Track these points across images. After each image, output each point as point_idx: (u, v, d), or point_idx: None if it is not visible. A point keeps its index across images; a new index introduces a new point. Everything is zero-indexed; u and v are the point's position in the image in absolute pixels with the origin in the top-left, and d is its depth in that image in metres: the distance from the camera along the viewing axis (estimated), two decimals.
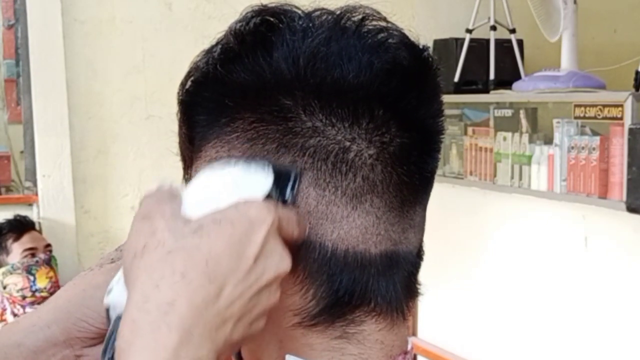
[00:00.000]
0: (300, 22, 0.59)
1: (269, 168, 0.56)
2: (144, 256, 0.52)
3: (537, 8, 2.84)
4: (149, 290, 0.50)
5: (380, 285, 0.59)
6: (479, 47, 3.22)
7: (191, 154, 0.63)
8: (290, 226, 0.55)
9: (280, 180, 0.56)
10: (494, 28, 3.14)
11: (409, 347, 0.64)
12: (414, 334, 3.31)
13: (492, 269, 2.97)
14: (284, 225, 0.55)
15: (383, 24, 0.60)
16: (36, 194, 3.19)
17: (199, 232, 0.52)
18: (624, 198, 2.30)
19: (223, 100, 0.59)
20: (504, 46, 3.18)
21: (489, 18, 3.14)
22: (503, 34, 3.17)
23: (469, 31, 3.17)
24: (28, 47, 3.13)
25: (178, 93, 0.63)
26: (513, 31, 3.15)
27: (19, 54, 3.28)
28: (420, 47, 0.60)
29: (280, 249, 0.54)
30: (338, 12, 0.59)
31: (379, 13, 0.60)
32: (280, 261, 0.54)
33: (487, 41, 3.17)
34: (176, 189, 0.57)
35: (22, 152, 3.32)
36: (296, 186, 0.57)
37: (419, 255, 0.63)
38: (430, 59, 0.61)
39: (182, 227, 0.53)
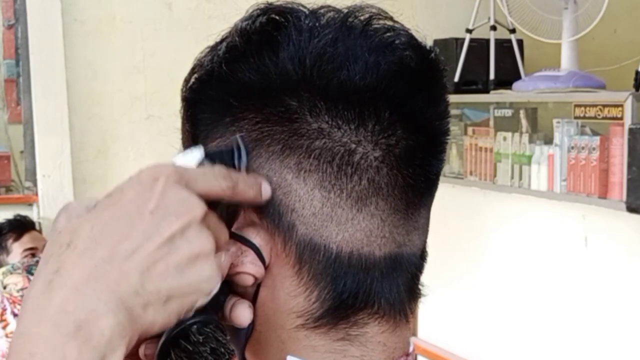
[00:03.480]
0: (307, 21, 0.58)
1: (196, 146, 0.58)
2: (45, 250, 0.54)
3: (535, 13, 2.83)
4: (41, 267, 0.52)
5: (383, 287, 0.59)
6: (479, 47, 3.22)
7: None
8: (211, 180, 0.55)
9: (225, 157, 0.57)
10: (494, 28, 3.14)
11: (411, 348, 0.63)
12: (414, 334, 3.31)
13: (492, 269, 2.97)
14: (199, 180, 0.54)
15: (390, 23, 0.59)
16: (36, 194, 3.19)
17: (92, 209, 0.53)
18: (624, 198, 2.30)
19: (228, 100, 0.59)
20: (504, 46, 3.18)
21: (489, 18, 3.14)
22: (503, 34, 3.17)
23: (469, 31, 3.17)
24: (28, 47, 3.12)
25: (181, 89, 0.62)
26: (513, 31, 3.15)
27: (19, 54, 3.27)
28: (428, 48, 0.60)
29: (185, 197, 0.53)
30: (345, 11, 0.59)
31: (385, 12, 0.60)
32: (188, 208, 0.53)
33: (487, 41, 3.17)
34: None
35: (22, 152, 3.31)
36: (242, 153, 0.57)
37: (422, 257, 0.63)
38: (437, 61, 0.60)
39: (81, 213, 0.54)
